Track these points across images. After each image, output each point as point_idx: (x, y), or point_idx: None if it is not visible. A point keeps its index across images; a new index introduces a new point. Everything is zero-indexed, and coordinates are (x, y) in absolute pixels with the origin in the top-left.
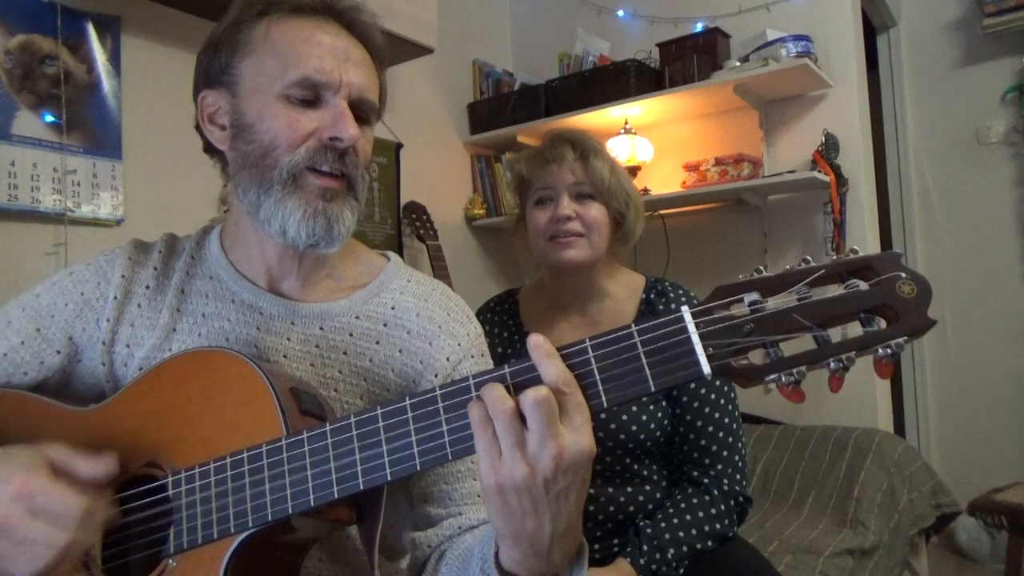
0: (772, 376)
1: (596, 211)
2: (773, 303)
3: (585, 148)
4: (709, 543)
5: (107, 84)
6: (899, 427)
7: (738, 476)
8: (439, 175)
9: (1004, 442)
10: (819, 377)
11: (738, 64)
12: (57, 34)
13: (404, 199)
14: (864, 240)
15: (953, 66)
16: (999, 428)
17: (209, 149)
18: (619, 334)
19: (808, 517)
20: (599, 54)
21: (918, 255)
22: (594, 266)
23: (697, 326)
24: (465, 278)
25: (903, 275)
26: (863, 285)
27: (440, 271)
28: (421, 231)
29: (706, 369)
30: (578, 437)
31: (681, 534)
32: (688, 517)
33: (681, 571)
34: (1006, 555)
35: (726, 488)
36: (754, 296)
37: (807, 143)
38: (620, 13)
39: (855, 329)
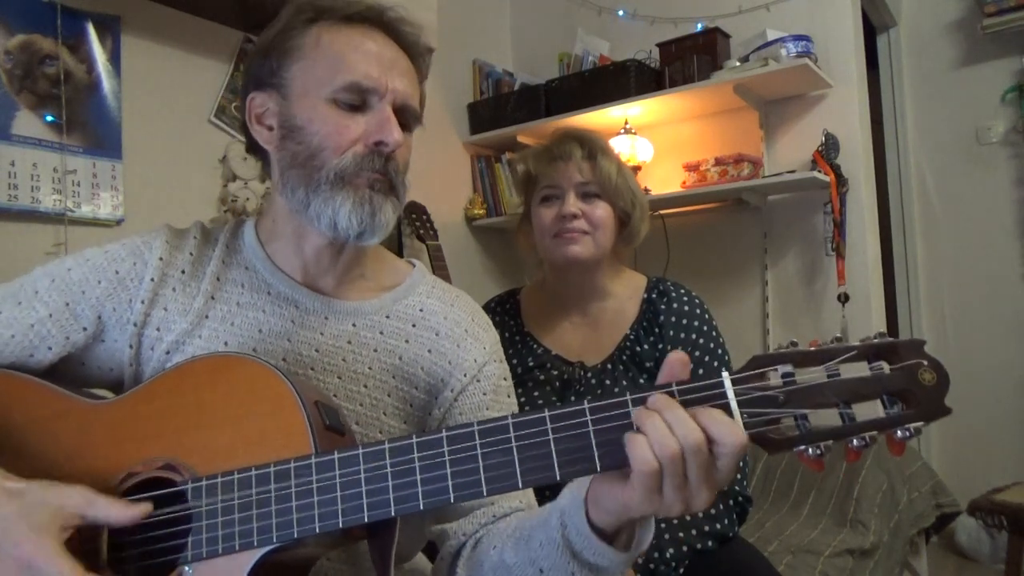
0: (801, 447)
1: (602, 210)
2: (804, 377)
3: (593, 147)
4: (709, 543)
5: (107, 84)
6: None
7: (738, 475)
8: (439, 175)
9: (1004, 442)
10: None
11: (738, 64)
12: (57, 34)
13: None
14: (864, 240)
15: (953, 66)
16: (999, 428)
17: (253, 148)
18: (659, 391)
19: (808, 517)
20: (599, 54)
21: (918, 255)
22: (597, 265)
23: (736, 392)
24: (465, 278)
25: (925, 363)
26: (887, 368)
27: (440, 271)
28: (421, 231)
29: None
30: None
31: (680, 534)
32: (687, 517)
33: (680, 571)
34: (1006, 555)
35: (725, 487)
36: (788, 368)
37: (807, 143)
38: (620, 13)
39: (876, 408)
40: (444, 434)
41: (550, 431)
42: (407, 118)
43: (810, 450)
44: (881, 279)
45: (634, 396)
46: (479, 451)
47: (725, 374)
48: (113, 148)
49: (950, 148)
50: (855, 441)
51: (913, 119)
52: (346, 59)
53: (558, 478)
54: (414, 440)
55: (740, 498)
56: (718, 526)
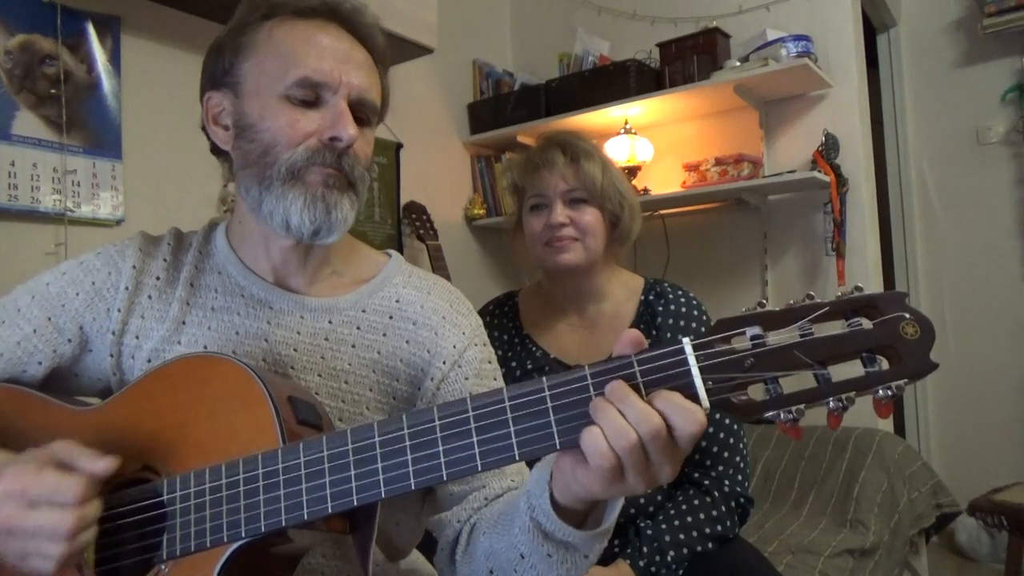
0: (771, 413)
1: (590, 215)
2: (775, 338)
3: (575, 151)
4: (710, 545)
5: (107, 84)
6: (899, 427)
7: (739, 477)
8: (439, 175)
9: (1004, 442)
10: None
11: (738, 64)
12: (57, 34)
13: (404, 199)
14: (864, 240)
15: (953, 66)
16: (999, 428)
17: (216, 151)
18: (618, 363)
19: (808, 517)
20: (599, 54)
21: (918, 255)
22: (591, 268)
23: (698, 359)
24: (465, 278)
25: (907, 316)
26: (866, 324)
27: (440, 271)
28: (421, 231)
29: (705, 403)
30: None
31: (681, 536)
32: (689, 519)
33: (680, 572)
34: (1006, 555)
35: (727, 489)
36: (756, 330)
37: (807, 143)
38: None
39: (856, 368)
40: (404, 420)
41: (508, 411)
42: (365, 112)
43: (782, 415)
44: (881, 279)
45: (593, 370)
46: (439, 434)
47: (686, 340)
48: (113, 148)
49: (950, 148)
50: (831, 403)
51: (913, 119)
52: (297, 54)
53: (517, 459)
54: (375, 426)
55: (742, 499)
56: (719, 528)
